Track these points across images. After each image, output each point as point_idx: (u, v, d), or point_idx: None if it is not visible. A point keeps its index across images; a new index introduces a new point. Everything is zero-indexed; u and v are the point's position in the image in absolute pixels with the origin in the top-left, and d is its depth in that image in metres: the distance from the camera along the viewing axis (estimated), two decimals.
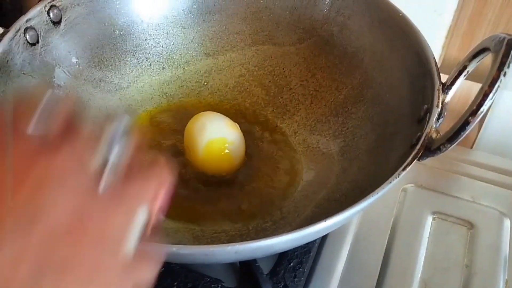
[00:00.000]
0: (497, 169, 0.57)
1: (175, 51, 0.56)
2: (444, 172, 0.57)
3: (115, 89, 0.53)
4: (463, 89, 0.61)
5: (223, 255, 0.31)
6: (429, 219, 0.52)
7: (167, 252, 0.30)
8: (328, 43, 0.53)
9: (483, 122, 0.62)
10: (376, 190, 0.33)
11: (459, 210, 0.52)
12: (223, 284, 0.43)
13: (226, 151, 0.47)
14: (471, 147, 0.63)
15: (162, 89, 0.55)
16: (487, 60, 0.38)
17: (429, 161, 0.56)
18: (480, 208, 0.53)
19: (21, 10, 0.77)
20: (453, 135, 0.34)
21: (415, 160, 0.36)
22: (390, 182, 0.34)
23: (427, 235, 0.50)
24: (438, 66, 0.41)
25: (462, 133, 0.33)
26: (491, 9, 0.58)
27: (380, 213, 0.52)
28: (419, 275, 0.47)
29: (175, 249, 0.30)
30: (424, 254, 0.48)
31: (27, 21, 0.46)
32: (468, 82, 0.58)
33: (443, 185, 0.55)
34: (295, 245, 0.38)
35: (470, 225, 0.51)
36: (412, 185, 0.55)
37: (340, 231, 0.49)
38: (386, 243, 0.49)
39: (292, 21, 0.55)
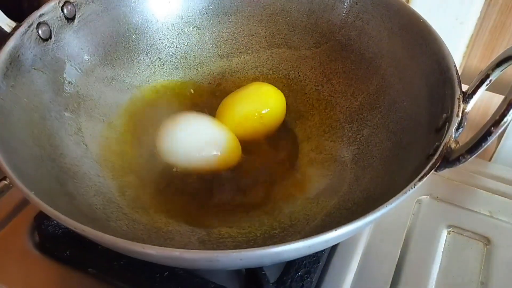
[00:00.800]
0: None
1: (189, 52, 0.56)
2: (460, 185, 0.55)
3: (126, 88, 0.52)
4: (483, 100, 0.59)
5: (228, 261, 0.30)
6: (444, 233, 0.50)
7: (171, 256, 0.29)
8: (345, 48, 0.52)
9: (503, 134, 0.60)
10: (390, 201, 0.32)
11: (475, 225, 0.51)
12: None
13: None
14: (490, 160, 0.62)
15: (174, 90, 0.55)
16: (509, 70, 0.37)
17: (445, 172, 0.55)
18: (498, 223, 0.51)
19: (37, 7, 0.78)
20: (474, 146, 0.32)
21: (432, 170, 0.34)
22: (405, 193, 0.32)
23: (442, 249, 0.49)
24: (459, 73, 0.40)
25: (483, 144, 0.32)
26: None
27: (393, 224, 0.50)
28: None
29: (178, 253, 0.29)
30: (437, 269, 0.47)
31: (40, 16, 0.45)
32: (488, 93, 0.57)
33: (460, 198, 0.53)
34: (304, 254, 0.36)
35: (487, 241, 0.49)
36: (427, 196, 0.53)
37: (351, 241, 0.48)
38: (398, 256, 0.47)
39: (309, 24, 0.54)
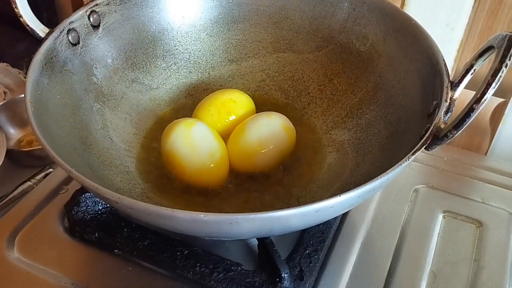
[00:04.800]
0: (507, 174, 0.59)
1: (201, 57, 0.61)
2: (456, 176, 0.59)
3: (145, 90, 0.57)
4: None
5: (246, 224, 0.34)
6: (440, 217, 0.54)
7: (196, 218, 0.33)
8: (344, 50, 0.57)
9: (496, 130, 0.64)
10: (388, 171, 0.36)
11: (468, 210, 0.55)
12: (242, 267, 0.46)
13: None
14: (485, 154, 0.66)
15: (188, 91, 0.59)
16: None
17: (442, 164, 0.60)
18: (490, 209, 0.55)
19: (56, 20, 0.84)
20: (459, 122, 0.37)
21: (424, 146, 0.38)
22: (401, 165, 0.37)
23: (437, 232, 0.52)
24: (450, 78, 0.44)
25: (467, 120, 0.36)
26: (500, 25, 0.61)
27: (393, 211, 0.54)
28: (429, 267, 0.49)
29: (202, 215, 0.33)
30: (434, 248, 0.51)
31: (70, 23, 0.50)
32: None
33: (454, 187, 0.58)
34: (311, 221, 0.40)
35: (479, 224, 0.53)
36: (424, 186, 0.57)
37: (354, 225, 0.52)
38: (397, 237, 0.51)
39: (311, 30, 0.59)
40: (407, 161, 0.37)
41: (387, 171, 0.36)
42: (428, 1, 0.62)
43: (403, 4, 0.64)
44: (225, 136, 0.53)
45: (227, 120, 0.54)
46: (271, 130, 0.51)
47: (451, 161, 0.61)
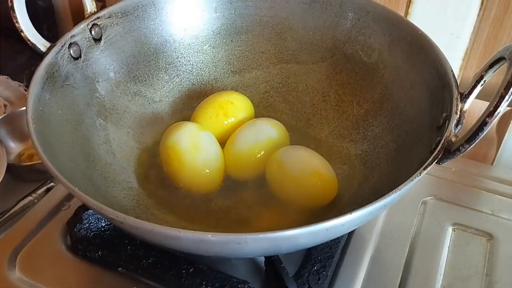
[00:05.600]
0: None
1: (204, 69, 0.60)
2: (464, 187, 0.58)
3: (148, 103, 0.56)
4: (477, 109, 0.63)
5: (255, 243, 0.33)
6: (449, 230, 0.53)
7: (204, 239, 0.32)
8: (349, 60, 0.56)
9: (502, 139, 0.63)
10: (399, 187, 0.35)
11: (478, 222, 0.54)
12: (249, 284, 0.45)
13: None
14: (492, 164, 0.65)
15: (191, 104, 0.58)
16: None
17: (449, 175, 0.59)
18: (500, 221, 0.54)
19: (57, 35, 0.83)
20: (472, 136, 0.36)
21: (435, 161, 0.37)
22: (412, 180, 0.36)
23: (448, 245, 0.51)
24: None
25: (480, 134, 0.35)
26: (505, 32, 0.61)
27: (401, 224, 0.53)
28: (440, 282, 0.48)
29: (210, 236, 0.32)
30: (444, 262, 0.50)
31: (71, 37, 0.49)
32: (483, 102, 0.60)
33: (463, 199, 0.57)
34: (320, 239, 0.39)
35: (490, 236, 0.52)
36: (432, 198, 0.56)
37: (362, 239, 0.51)
38: (407, 251, 0.50)
39: (315, 40, 0.58)
40: (419, 176, 0.36)
41: (399, 187, 0.36)
42: (433, 9, 0.61)
43: (407, 12, 0.63)
44: (222, 139, 0.53)
45: (225, 122, 0.53)
46: (262, 136, 0.51)
47: (459, 172, 0.60)
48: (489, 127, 0.35)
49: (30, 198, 0.60)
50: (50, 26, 0.84)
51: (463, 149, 0.36)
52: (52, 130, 0.44)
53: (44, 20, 0.83)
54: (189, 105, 0.59)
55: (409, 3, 0.62)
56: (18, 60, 0.81)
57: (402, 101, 0.50)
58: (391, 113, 0.51)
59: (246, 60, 0.60)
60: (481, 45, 0.63)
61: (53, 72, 0.47)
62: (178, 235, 0.33)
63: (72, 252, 0.48)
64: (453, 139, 0.38)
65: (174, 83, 0.59)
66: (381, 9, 0.53)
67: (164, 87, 0.58)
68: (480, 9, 0.59)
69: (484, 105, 0.59)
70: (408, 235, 0.52)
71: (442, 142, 0.38)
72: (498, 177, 0.60)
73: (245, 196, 0.50)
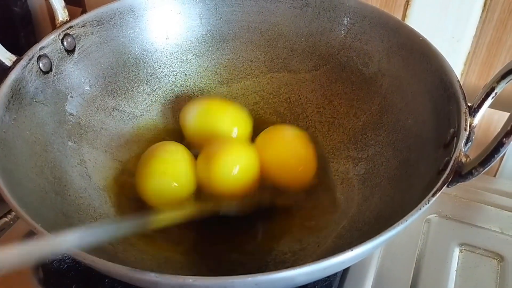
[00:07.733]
0: None
1: (189, 80, 0.56)
2: (467, 202, 0.54)
3: (128, 118, 0.52)
4: (484, 117, 0.59)
5: (243, 287, 0.29)
6: (456, 251, 0.49)
7: (185, 284, 0.28)
8: (345, 69, 0.52)
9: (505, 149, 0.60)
10: (405, 217, 0.31)
11: (487, 242, 0.50)
12: None
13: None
14: (494, 176, 0.61)
15: (175, 118, 0.54)
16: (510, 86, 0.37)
17: (451, 190, 0.55)
18: (510, 240, 0.50)
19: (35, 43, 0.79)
20: (486, 158, 0.32)
21: (445, 185, 0.33)
22: (420, 209, 0.32)
23: (455, 268, 0.48)
24: None
25: (496, 156, 0.31)
26: (510, 36, 0.57)
27: (403, 245, 0.49)
28: None
29: (191, 280, 0.28)
30: (453, 287, 0.46)
31: (40, 49, 0.45)
32: (489, 109, 0.57)
33: (469, 215, 0.53)
34: (317, 277, 0.35)
35: (500, 258, 0.48)
36: (436, 215, 0.52)
37: (362, 264, 0.47)
38: (411, 277, 0.46)
39: (307, 47, 0.54)
40: (427, 204, 0.32)
41: (405, 217, 0.31)
42: (432, 11, 0.57)
43: (404, 14, 0.59)
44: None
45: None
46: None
47: (462, 186, 0.56)
48: (506, 148, 0.31)
49: (5, 219, 0.56)
50: (27, 34, 0.79)
51: (477, 173, 0.33)
52: (18, 154, 0.39)
53: (21, 27, 0.78)
54: (173, 119, 0.54)
55: (407, 5, 0.58)
56: None
57: (403, 113, 0.46)
58: (391, 126, 0.47)
59: (234, 69, 0.56)
60: (484, 49, 0.59)
61: (20, 89, 0.42)
62: (155, 280, 0.29)
63: (45, 286, 0.44)
64: (464, 160, 0.34)
65: (156, 95, 0.54)
66: (378, 13, 0.49)
67: (145, 100, 0.54)
68: (482, 11, 0.56)
69: (492, 113, 0.57)
70: (412, 258, 0.48)
71: (451, 163, 0.34)
72: (504, 191, 0.56)
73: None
